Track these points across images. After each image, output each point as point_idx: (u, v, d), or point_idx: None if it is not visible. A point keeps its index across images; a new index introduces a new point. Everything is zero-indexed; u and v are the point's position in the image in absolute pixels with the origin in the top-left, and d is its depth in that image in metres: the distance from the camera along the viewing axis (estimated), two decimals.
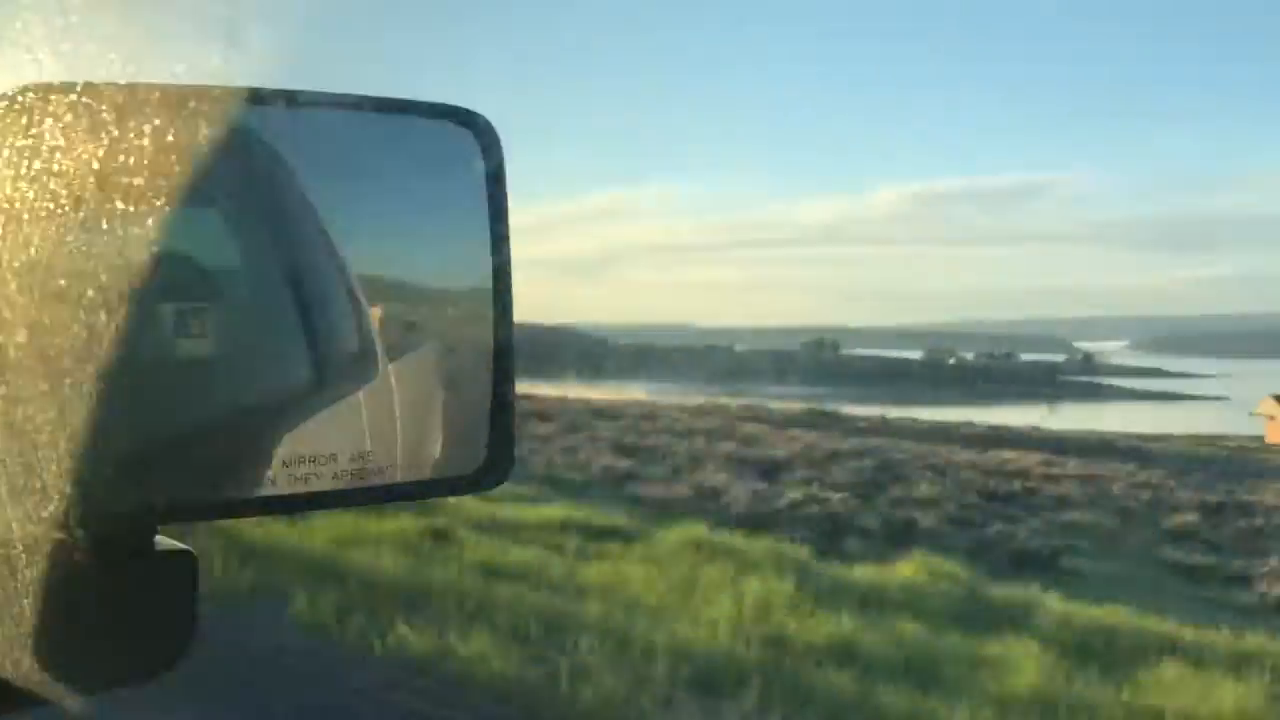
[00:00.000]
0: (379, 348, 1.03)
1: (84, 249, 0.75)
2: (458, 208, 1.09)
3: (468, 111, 1.08)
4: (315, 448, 0.92)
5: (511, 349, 1.11)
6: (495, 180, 1.07)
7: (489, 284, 1.06)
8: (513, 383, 1.11)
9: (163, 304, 0.84)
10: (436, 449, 1.06)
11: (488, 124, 1.08)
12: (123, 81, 0.80)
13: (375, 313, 1.04)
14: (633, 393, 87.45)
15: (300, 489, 0.90)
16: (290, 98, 0.95)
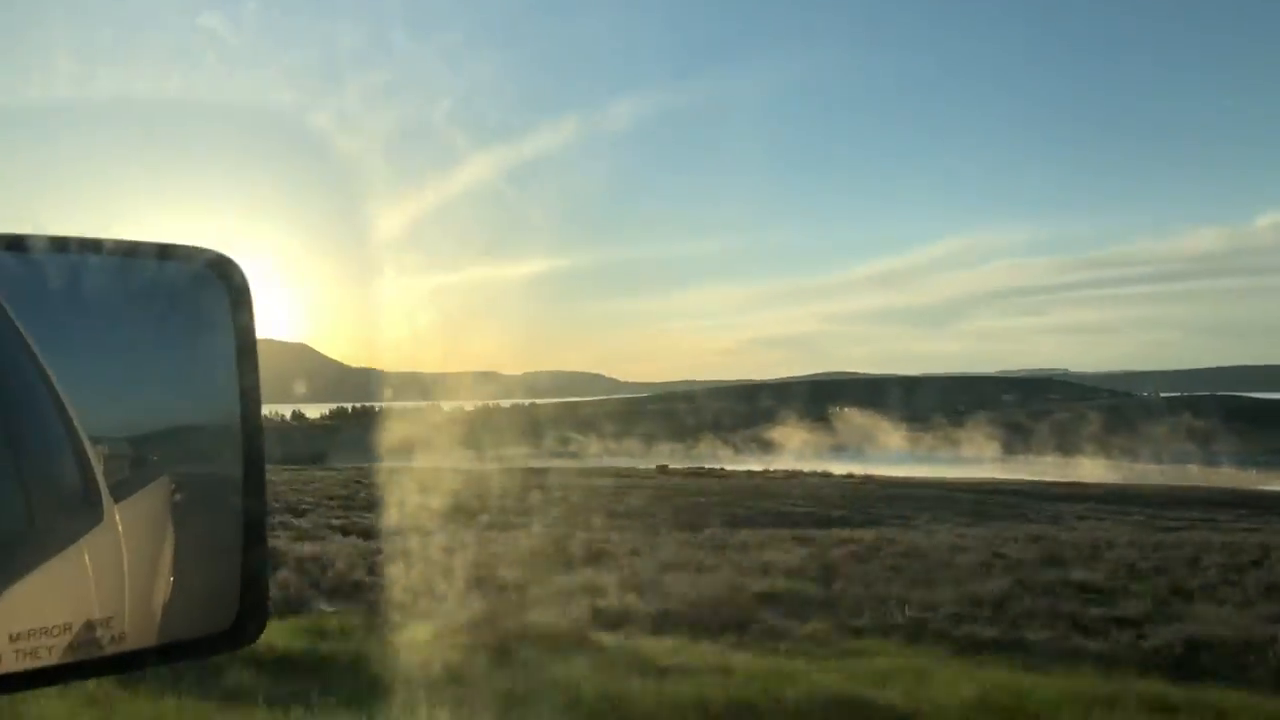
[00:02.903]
0: (103, 486, 0.99)
1: None
2: (200, 347, 1.08)
3: (212, 251, 1.09)
4: (40, 611, 0.86)
5: (264, 488, 1.07)
6: (242, 320, 1.07)
7: (233, 422, 1.04)
8: (265, 528, 1.07)
9: None
10: (179, 604, 1.00)
11: (231, 263, 1.08)
12: None
13: (101, 451, 1.00)
14: None
15: (26, 665, 0.83)
16: (13, 242, 0.94)
